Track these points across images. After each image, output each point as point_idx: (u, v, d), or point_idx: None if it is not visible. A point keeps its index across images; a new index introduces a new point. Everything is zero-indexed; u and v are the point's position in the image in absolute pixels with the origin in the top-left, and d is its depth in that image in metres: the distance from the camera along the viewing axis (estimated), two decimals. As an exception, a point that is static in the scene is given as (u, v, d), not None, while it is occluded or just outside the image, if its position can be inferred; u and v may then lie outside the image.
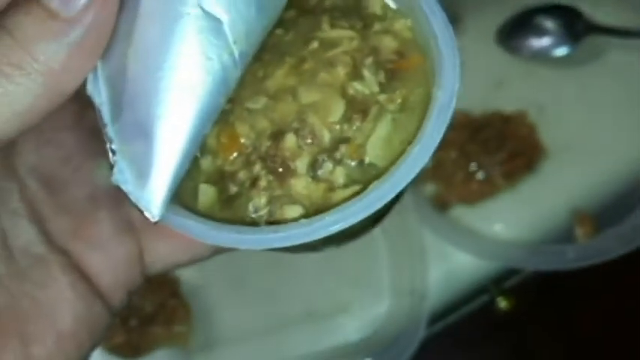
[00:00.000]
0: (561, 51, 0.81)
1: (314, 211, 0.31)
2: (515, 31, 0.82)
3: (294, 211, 0.31)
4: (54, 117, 0.28)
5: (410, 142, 0.31)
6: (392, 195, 0.29)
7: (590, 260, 0.74)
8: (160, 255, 0.35)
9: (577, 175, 0.80)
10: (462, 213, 0.80)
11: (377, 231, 0.78)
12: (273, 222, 0.31)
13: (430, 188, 0.81)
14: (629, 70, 0.82)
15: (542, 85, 0.82)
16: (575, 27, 0.80)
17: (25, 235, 0.32)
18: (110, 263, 0.34)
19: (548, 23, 0.81)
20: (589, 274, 0.86)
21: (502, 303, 0.79)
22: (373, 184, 0.30)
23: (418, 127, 0.31)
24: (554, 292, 0.98)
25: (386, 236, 0.79)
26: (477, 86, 0.82)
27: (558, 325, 1.00)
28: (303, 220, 0.30)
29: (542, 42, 0.81)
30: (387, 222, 0.77)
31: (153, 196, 0.28)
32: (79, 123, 0.35)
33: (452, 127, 0.79)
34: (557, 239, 0.78)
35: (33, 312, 0.31)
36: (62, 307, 0.32)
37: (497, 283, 0.80)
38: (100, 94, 0.28)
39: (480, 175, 0.79)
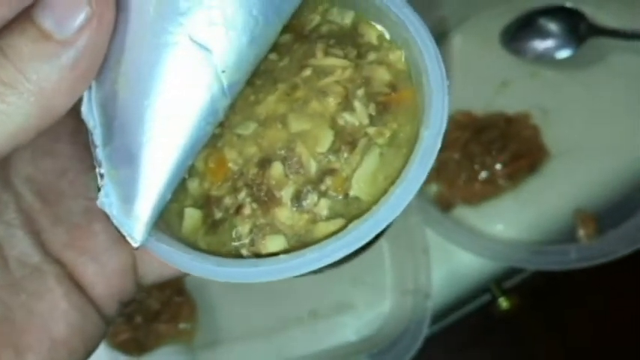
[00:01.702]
0: (565, 53, 0.81)
1: (296, 242, 0.31)
2: (518, 33, 0.82)
3: (275, 241, 0.31)
4: (50, 131, 0.28)
5: (394, 180, 0.30)
6: (372, 235, 0.29)
7: (593, 261, 0.74)
8: (153, 267, 0.35)
9: (580, 176, 0.79)
10: (465, 213, 0.79)
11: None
12: (254, 252, 0.31)
13: (433, 189, 0.80)
14: (632, 72, 0.82)
15: (546, 87, 0.82)
16: (579, 29, 0.80)
17: (20, 245, 0.32)
18: (104, 274, 0.34)
19: (552, 25, 0.81)
20: (589, 277, 0.86)
21: (503, 303, 0.80)
22: (353, 223, 0.30)
23: (403, 165, 0.31)
24: (554, 293, 0.98)
25: (389, 236, 0.78)
26: (480, 87, 0.82)
27: (558, 326, 1.00)
28: (282, 256, 0.30)
29: (545, 44, 0.81)
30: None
31: (136, 222, 0.29)
32: (75, 138, 0.35)
33: (455, 127, 0.79)
34: (560, 240, 0.78)
35: (28, 322, 0.31)
36: (56, 317, 0.32)
37: (499, 283, 0.80)
38: (93, 118, 0.29)
39: (482, 176, 0.79)
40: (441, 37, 0.83)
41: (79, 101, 0.28)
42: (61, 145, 0.35)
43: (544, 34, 0.81)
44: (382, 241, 0.79)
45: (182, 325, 0.77)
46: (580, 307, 1.02)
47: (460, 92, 0.80)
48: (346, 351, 0.76)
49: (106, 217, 0.33)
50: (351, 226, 0.30)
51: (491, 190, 0.79)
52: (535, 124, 0.81)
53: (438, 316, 0.79)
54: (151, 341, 0.76)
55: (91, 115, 0.29)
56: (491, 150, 0.79)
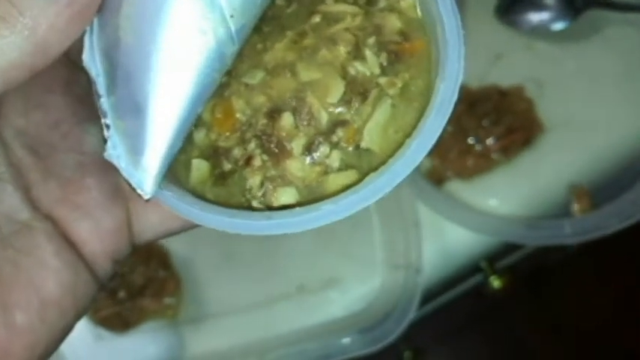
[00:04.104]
0: (560, 25, 0.80)
1: (307, 193, 0.31)
2: (513, 4, 0.81)
3: (287, 193, 0.30)
4: (43, 81, 0.28)
5: (406, 133, 0.30)
6: (389, 189, 0.29)
7: (588, 235, 0.74)
8: (150, 223, 0.35)
9: (575, 150, 0.79)
10: (458, 188, 0.79)
11: (371, 205, 0.77)
12: (265, 204, 0.31)
13: (425, 163, 0.80)
14: (627, 44, 0.81)
15: (541, 60, 0.82)
16: (574, 1, 0.79)
17: (8, 200, 0.31)
18: (97, 231, 0.33)
19: (548, -3, 0.80)
20: (582, 257, 0.86)
21: (495, 282, 0.79)
22: (370, 177, 0.30)
23: (416, 119, 0.31)
24: (546, 274, 0.98)
25: (380, 210, 0.78)
26: (475, 60, 0.81)
27: (548, 307, 1.00)
28: (297, 209, 0.30)
29: (541, 16, 0.80)
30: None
31: (145, 174, 0.29)
32: (69, 89, 0.34)
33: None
34: (554, 214, 0.77)
35: (16, 279, 0.30)
36: (46, 275, 0.31)
37: (491, 262, 0.79)
38: (95, 66, 0.28)
39: (476, 150, 0.78)
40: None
41: (74, 50, 0.28)
42: (53, 96, 0.34)
43: (539, 6, 0.80)
44: (372, 215, 0.78)
45: (167, 300, 0.76)
46: (573, 288, 1.02)
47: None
48: (335, 326, 0.76)
49: (100, 172, 0.33)
50: (367, 179, 0.30)
51: (484, 164, 0.78)
52: (529, 97, 0.80)
53: (429, 295, 0.78)
54: (135, 316, 0.76)
55: (93, 62, 0.28)
56: (484, 123, 0.78)
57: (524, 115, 0.79)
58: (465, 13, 0.83)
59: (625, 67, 0.81)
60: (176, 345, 0.76)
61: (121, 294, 0.75)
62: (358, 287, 0.78)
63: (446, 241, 0.79)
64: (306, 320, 0.77)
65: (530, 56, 0.82)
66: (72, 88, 0.34)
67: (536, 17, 0.80)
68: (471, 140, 0.78)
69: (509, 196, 0.79)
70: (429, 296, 0.78)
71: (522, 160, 0.79)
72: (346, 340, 0.73)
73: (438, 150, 0.79)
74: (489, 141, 0.78)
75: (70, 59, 0.29)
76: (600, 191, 0.77)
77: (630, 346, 1.02)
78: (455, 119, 0.79)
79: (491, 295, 0.82)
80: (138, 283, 0.76)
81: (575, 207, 0.77)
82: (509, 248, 0.80)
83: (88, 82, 0.29)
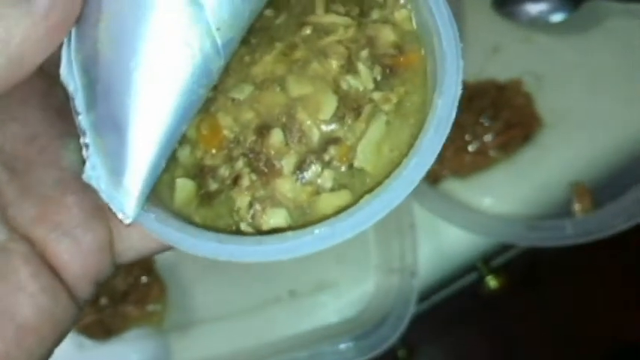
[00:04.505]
0: (559, 16, 0.78)
1: (298, 215, 0.30)
2: (511, -5, 0.80)
3: (277, 215, 0.30)
4: (19, 93, 0.27)
5: (401, 152, 0.30)
6: (386, 211, 0.28)
7: (590, 236, 0.72)
8: (133, 242, 0.34)
9: (575, 146, 0.77)
10: (455, 186, 0.77)
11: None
12: (254, 227, 0.30)
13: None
14: (629, 36, 0.80)
15: (540, 52, 0.80)
16: (575, -9, 0.78)
17: None
18: (78, 252, 0.32)
19: (546, -13, 0.79)
20: (579, 255, 0.84)
21: (491, 282, 0.78)
22: (365, 199, 0.29)
23: (411, 136, 0.30)
24: (543, 272, 0.96)
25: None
26: (471, 53, 0.80)
27: (545, 307, 0.99)
28: (289, 233, 0.29)
29: (539, 7, 0.79)
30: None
31: (126, 196, 0.28)
32: (46, 101, 0.33)
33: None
34: (554, 214, 0.76)
35: None
36: (23, 300, 0.30)
37: (487, 261, 0.78)
38: (74, 81, 0.27)
39: (473, 147, 0.77)
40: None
41: (51, 62, 0.27)
42: (30, 109, 0.32)
43: (538, -3, 0.80)
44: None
45: (151, 307, 0.75)
46: (568, 286, 1.01)
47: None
48: (328, 332, 0.74)
49: (80, 189, 0.32)
50: (363, 201, 0.29)
51: (482, 161, 0.77)
52: (528, 91, 0.79)
53: (424, 295, 0.77)
54: (118, 324, 0.74)
55: (71, 77, 0.27)
56: (482, 119, 0.77)
57: (523, 110, 0.78)
58: (461, 4, 0.81)
59: (627, 60, 0.79)
60: (161, 354, 0.75)
61: (103, 300, 0.73)
62: (352, 291, 0.76)
63: (442, 241, 0.77)
64: (298, 326, 0.75)
65: (529, 49, 0.80)
66: (49, 101, 0.33)
67: (534, 8, 0.79)
68: (467, 137, 0.77)
69: (508, 194, 0.77)
70: (424, 296, 0.77)
71: (521, 158, 0.77)
72: (340, 347, 0.72)
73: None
74: (487, 137, 0.77)
75: (46, 72, 0.28)
76: (603, 189, 0.76)
77: (629, 346, 1.02)
78: (451, 115, 0.77)
79: (487, 295, 0.80)
80: (120, 289, 0.74)
81: (577, 206, 0.76)
82: (505, 247, 0.78)
83: (66, 96, 0.28)
